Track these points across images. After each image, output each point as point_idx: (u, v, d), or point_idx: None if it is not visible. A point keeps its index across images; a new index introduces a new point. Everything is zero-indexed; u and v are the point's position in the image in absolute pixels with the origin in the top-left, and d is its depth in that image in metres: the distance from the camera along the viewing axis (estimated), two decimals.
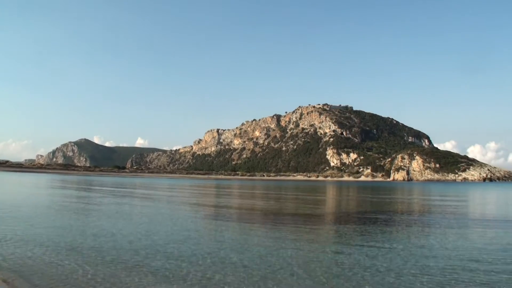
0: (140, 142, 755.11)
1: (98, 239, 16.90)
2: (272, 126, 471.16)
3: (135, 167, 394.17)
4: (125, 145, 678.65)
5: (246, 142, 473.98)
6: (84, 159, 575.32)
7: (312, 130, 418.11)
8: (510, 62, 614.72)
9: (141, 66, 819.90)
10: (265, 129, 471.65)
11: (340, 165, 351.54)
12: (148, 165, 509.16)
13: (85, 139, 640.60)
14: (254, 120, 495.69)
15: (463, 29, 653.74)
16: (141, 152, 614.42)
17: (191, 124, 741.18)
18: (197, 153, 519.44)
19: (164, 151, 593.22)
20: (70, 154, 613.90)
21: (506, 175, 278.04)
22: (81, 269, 12.28)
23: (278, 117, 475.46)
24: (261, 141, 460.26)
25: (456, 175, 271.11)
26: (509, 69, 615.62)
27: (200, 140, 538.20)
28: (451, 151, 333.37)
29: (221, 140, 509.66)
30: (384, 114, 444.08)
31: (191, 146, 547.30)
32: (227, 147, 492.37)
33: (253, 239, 18.05)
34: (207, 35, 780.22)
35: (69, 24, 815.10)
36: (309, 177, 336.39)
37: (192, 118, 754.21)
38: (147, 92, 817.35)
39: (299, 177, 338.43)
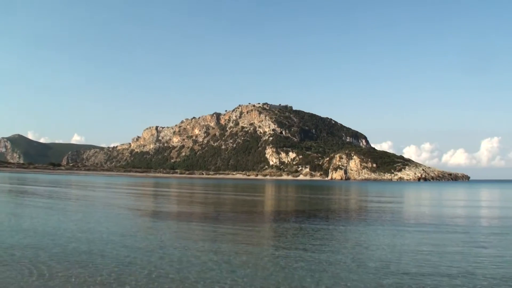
0: (76, 139, 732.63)
1: None
2: (212, 124, 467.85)
3: (71, 164, 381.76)
4: (61, 141, 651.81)
5: (186, 140, 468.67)
6: (18, 156, 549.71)
7: (251, 129, 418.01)
8: (443, 66, 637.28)
9: (75, 60, 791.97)
10: (204, 127, 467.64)
11: (279, 164, 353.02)
12: (85, 162, 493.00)
13: (18, 135, 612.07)
14: (194, 118, 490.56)
15: (397, 31, 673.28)
16: (78, 149, 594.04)
17: (130, 121, 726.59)
18: (135, 150, 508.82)
19: (102, 148, 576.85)
20: (3, 150, 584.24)
21: (440, 175, 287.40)
22: None
23: (218, 116, 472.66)
24: (200, 139, 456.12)
25: (392, 175, 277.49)
26: (444, 72, 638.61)
27: (139, 137, 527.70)
28: (388, 151, 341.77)
29: (160, 138, 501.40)
30: (323, 114, 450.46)
31: (129, 144, 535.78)
32: (166, 144, 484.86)
33: (191, 237, 17.60)
34: (144, 30, 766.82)
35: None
36: (248, 175, 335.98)
37: (131, 115, 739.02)
38: (83, 87, 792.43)
39: (239, 175, 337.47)
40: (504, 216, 32.87)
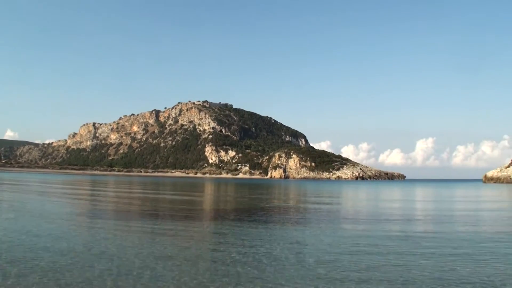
0: (9, 134, 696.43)
1: None
2: (151, 121, 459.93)
3: (3, 161, 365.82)
4: None
5: (124, 137, 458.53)
6: None
7: (191, 126, 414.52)
8: (380, 67, 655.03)
9: (7, 52, 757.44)
10: (143, 124, 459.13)
11: (218, 162, 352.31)
12: (19, 159, 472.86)
13: None
14: (132, 114, 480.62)
15: (336, 31, 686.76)
16: (11, 145, 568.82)
17: (66, 117, 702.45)
18: (72, 147, 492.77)
19: (36, 145, 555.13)
20: None
21: (377, 174, 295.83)
22: None
23: (157, 113, 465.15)
24: (139, 137, 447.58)
25: (331, 174, 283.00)
26: (381, 73, 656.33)
27: (75, 133, 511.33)
28: (326, 150, 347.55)
29: (97, 135, 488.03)
30: (263, 113, 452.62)
31: (65, 140, 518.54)
32: (103, 141, 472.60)
33: (128, 237, 17.24)
34: (82, 25, 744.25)
35: None
36: (188, 174, 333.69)
37: (67, 111, 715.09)
38: (18, 80, 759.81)
39: (178, 173, 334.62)
40: (436, 213, 33.87)
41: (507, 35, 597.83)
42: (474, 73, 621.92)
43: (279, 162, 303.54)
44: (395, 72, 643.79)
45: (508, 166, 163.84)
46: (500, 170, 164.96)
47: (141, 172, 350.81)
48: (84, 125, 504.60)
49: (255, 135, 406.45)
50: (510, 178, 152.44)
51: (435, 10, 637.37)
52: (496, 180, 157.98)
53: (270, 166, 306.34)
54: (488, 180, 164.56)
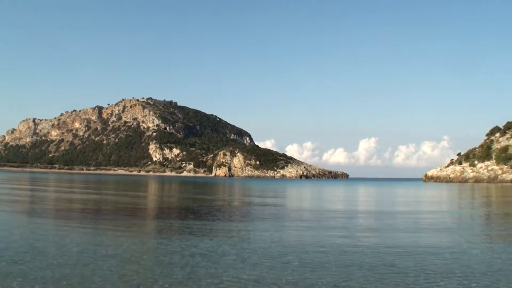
0: None
1: None
2: (94, 118, 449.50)
3: None
4: None
5: (65, 134, 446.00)
6: None
7: (135, 123, 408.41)
8: (323, 66, 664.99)
9: None
10: (85, 121, 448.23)
11: (162, 160, 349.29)
12: None
13: None
14: (74, 111, 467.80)
15: (271, 28, 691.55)
16: None
17: (4, 112, 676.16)
18: (10, 143, 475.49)
19: None
20: None
21: (321, 173, 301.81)
22: None
23: (100, 109, 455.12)
24: (81, 133, 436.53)
25: (275, 172, 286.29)
26: (323, 73, 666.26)
27: (14, 129, 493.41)
28: (271, 149, 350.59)
29: (37, 131, 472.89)
30: (208, 111, 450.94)
31: (3, 136, 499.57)
32: (43, 138, 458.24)
33: (69, 236, 16.38)
34: (22, 19, 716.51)
35: None
36: (131, 171, 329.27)
37: (5, 106, 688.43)
38: None
39: (121, 171, 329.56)
40: (377, 210, 34.73)
41: (440, 38, 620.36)
42: (416, 77, 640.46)
43: (223, 161, 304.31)
44: (339, 72, 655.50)
45: (448, 166, 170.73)
46: (440, 169, 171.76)
47: (83, 169, 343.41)
48: (23, 121, 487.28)
49: (200, 133, 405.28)
50: (449, 177, 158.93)
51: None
52: (436, 179, 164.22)
53: (215, 164, 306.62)
54: (428, 179, 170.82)
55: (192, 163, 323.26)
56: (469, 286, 10.22)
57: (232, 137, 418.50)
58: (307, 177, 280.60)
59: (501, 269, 12.11)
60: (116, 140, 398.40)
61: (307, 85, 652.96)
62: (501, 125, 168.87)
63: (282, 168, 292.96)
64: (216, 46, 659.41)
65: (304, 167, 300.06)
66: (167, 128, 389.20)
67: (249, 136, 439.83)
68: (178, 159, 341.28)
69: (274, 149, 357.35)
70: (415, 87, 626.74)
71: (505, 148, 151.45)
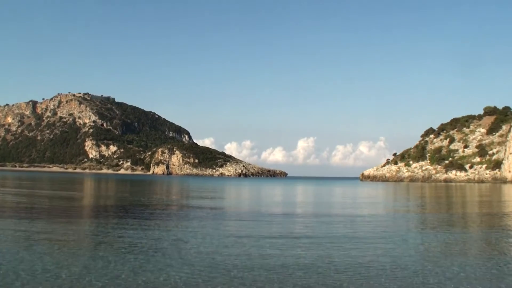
0: None
1: None
2: (27, 113, 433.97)
3: None
4: None
5: None
6: None
7: (71, 119, 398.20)
8: (258, 66, 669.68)
9: None
10: (18, 116, 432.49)
11: (99, 157, 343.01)
12: None
13: None
14: (7, 105, 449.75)
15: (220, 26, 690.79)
16: None
17: None
18: None
19: None
20: None
21: (259, 171, 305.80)
22: None
23: (34, 104, 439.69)
24: (13, 129, 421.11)
25: (214, 170, 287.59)
26: (265, 72, 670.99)
27: None
28: (210, 147, 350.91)
29: None
30: (146, 108, 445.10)
31: None
32: None
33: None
34: None
35: None
36: (66, 169, 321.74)
37: None
38: None
39: (56, 168, 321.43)
40: (314, 208, 36.35)
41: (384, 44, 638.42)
42: (354, 78, 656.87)
43: (162, 158, 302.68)
44: (278, 71, 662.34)
45: (384, 166, 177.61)
46: (376, 169, 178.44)
47: (15, 166, 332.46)
48: None
49: (138, 130, 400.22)
50: (385, 176, 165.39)
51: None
52: (373, 178, 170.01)
53: (153, 162, 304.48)
54: (365, 178, 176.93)
55: (129, 160, 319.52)
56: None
57: (170, 135, 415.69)
58: (245, 175, 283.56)
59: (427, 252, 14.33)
60: (51, 136, 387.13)
61: (246, 84, 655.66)
62: (435, 127, 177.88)
63: (221, 166, 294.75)
64: (154, 40, 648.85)
65: (243, 166, 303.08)
66: (104, 124, 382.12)
67: (188, 133, 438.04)
68: (115, 156, 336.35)
69: (213, 147, 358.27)
70: (353, 88, 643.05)
71: (439, 149, 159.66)
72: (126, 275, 10.74)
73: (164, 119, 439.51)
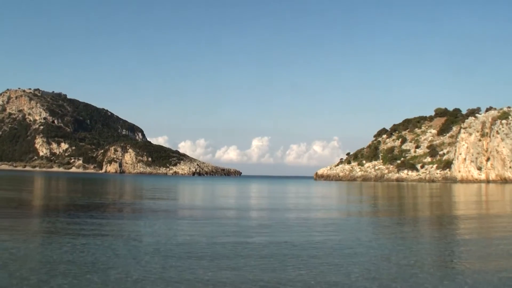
0: None
1: None
2: None
3: None
4: None
5: None
6: None
7: (20, 116, 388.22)
8: (212, 65, 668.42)
9: None
10: None
11: (50, 155, 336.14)
12: None
13: None
14: None
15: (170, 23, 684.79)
16: None
17: None
18: None
19: None
20: None
21: (214, 170, 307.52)
22: None
23: None
24: None
25: (168, 169, 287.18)
26: (217, 72, 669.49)
27: None
28: (164, 145, 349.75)
29: None
30: (99, 105, 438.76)
31: None
32: None
33: None
34: None
35: None
36: (15, 167, 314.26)
37: None
38: None
39: (4, 166, 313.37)
40: (267, 207, 36.30)
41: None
42: (308, 77, 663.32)
43: (114, 156, 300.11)
44: (231, 70, 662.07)
45: (337, 165, 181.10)
46: (330, 168, 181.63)
47: None
48: None
49: (90, 127, 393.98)
50: (339, 175, 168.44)
51: None
52: (326, 178, 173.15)
53: (105, 160, 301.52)
54: (318, 177, 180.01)
55: (81, 158, 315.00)
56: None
57: (124, 133, 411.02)
58: (199, 174, 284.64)
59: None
60: (0, 133, 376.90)
61: (200, 81, 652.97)
62: (387, 127, 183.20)
63: (175, 165, 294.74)
64: (106, 35, 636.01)
65: (197, 164, 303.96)
66: (55, 121, 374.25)
67: (142, 132, 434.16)
68: (66, 154, 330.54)
69: (167, 145, 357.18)
70: (307, 87, 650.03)
71: (391, 149, 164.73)
72: (75, 274, 10.53)
73: (117, 117, 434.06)
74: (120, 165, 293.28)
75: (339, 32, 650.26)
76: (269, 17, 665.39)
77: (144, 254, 13.23)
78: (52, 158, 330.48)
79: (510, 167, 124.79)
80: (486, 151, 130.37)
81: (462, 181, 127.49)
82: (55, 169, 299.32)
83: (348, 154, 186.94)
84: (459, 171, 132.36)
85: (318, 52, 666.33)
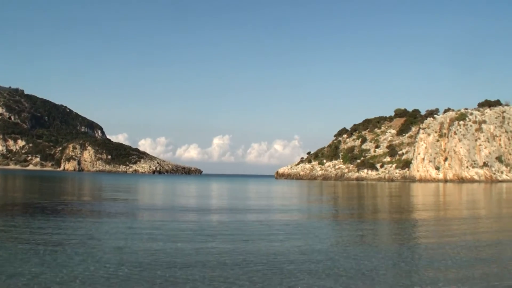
0: None
1: None
2: None
3: None
4: None
5: None
6: None
7: None
8: (167, 64, 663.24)
9: None
10: None
11: (6, 152, 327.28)
12: None
13: None
14: None
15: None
16: None
17: None
18: None
19: None
20: None
21: (174, 168, 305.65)
22: None
23: None
24: None
25: (128, 167, 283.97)
26: (175, 70, 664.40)
27: None
28: (123, 143, 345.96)
29: None
30: (58, 101, 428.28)
31: None
32: None
33: None
34: None
35: None
36: None
37: None
38: None
39: None
40: (227, 207, 35.79)
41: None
42: (270, 76, 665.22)
43: (73, 154, 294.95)
44: (192, 68, 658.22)
45: (298, 164, 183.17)
46: (291, 167, 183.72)
47: None
48: None
49: (48, 124, 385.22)
50: (299, 174, 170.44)
51: None
52: (287, 176, 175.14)
53: (64, 157, 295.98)
54: (279, 176, 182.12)
55: (39, 156, 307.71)
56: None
57: (83, 130, 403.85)
58: (160, 172, 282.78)
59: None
60: None
61: (160, 79, 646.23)
62: (348, 127, 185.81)
63: (135, 163, 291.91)
64: (65, 30, 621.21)
65: (157, 163, 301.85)
66: (12, 117, 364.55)
67: (101, 129, 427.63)
68: (23, 151, 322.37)
69: (126, 143, 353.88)
70: (268, 87, 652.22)
71: (351, 149, 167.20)
72: (31, 272, 10.43)
73: (76, 114, 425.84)
74: (79, 163, 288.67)
75: (300, 30, 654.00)
76: (231, 12, 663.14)
77: (100, 251, 13.19)
78: (8, 156, 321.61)
79: (467, 167, 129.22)
80: (444, 151, 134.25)
81: (421, 180, 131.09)
82: (12, 166, 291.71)
83: (309, 153, 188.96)
84: (418, 171, 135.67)
85: (279, 51, 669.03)
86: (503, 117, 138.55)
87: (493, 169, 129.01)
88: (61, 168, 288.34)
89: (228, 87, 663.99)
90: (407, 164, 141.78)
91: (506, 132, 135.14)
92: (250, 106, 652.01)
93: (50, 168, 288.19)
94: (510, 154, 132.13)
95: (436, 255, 14.08)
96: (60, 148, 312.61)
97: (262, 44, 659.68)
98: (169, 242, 15.46)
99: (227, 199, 47.47)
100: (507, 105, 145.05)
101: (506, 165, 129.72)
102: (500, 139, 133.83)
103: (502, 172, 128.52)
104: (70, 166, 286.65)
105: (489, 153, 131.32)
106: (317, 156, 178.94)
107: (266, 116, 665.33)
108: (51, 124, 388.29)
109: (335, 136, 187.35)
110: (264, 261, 12.48)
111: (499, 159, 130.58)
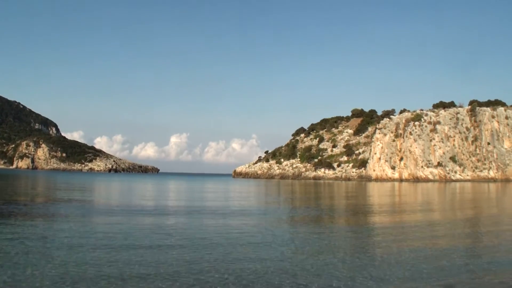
0: None
1: None
2: None
3: None
4: None
5: None
6: None
7: None
8: (126, 61, 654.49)
9: None
10: None
11: None
12: None
13: None
14: None
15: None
16: None
17: None
18: None
19: None
20: None
21: (131, 167, 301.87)
22: None
23: None
24: None
25: (83, 165, 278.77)
26: (132, 67, 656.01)
27: None
28: (79, 141, 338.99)
29: None
30: (10, 97, 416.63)
31: None
32: None
33: None
34: None
35: None
36: None
37: None
38: None
39: None
40: (188, 205, 36.38)
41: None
42: (228, 76, 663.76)
43: (26, 152, 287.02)
44: (150, 65, 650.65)
45: (256, 163, 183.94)
46: (248, 166, 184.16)
47: None
48: None
49: (1, 120, 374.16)
50: (257, 173, 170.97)
51: None
52: (245, 175, 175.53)
53: (16, 155, 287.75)
54: (237, 175, 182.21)
55: None
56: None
57: (36, 127, 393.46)
58: (116, 171, 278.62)
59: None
60: None
61: (117, 76, 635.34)
62: (306, 127, 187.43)
63: (91, 161, 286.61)
64: (20, 24, 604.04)
65: (114, 161, 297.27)
66: None
67: (56, 126, 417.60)
68: None
69: (82, 141, 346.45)
70: (225, 85, 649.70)
71: (309, 148, 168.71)
72: None
73: (30, 110, 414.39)
74: (33, 161, 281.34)
75: (269, 29, 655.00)
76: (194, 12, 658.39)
77: (55, 252, 12.93)
78: None
79: (422, 167, 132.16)
80: (400, 151, 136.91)
81: (377, 179, 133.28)
82: None
83: (266, 152, 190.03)
84: (374, 170, 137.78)
85: (237, 49, 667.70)
86: (457, 118, 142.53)
87: (447, 168, 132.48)
88: (14, 166, 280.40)
89: (185, 85, 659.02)
90: (363, 163, 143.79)
91: (460, 133, 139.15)
92: (208, 104, 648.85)
93: (2, 166, 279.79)
94: (463, 154, 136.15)
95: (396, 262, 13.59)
96: (13, 146, 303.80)
97: (220, 41, 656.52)
98: (124, 242, 15.24)
99: (184, 202, 44.47)
100: (460, 106, 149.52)
101: (460, 165, 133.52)
102: (454, 140, 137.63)
103: (455, 172, 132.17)
104: (23, 164, 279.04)
105: (443, 153, 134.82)
106: (275, 155, 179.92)
107: (224, 114, 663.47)
108: (3, 120, 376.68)
109: (292, 135, 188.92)
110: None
111: (452, 159, 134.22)
